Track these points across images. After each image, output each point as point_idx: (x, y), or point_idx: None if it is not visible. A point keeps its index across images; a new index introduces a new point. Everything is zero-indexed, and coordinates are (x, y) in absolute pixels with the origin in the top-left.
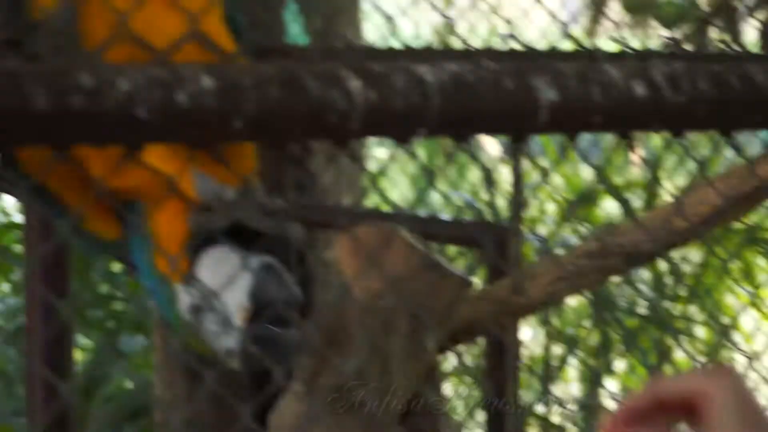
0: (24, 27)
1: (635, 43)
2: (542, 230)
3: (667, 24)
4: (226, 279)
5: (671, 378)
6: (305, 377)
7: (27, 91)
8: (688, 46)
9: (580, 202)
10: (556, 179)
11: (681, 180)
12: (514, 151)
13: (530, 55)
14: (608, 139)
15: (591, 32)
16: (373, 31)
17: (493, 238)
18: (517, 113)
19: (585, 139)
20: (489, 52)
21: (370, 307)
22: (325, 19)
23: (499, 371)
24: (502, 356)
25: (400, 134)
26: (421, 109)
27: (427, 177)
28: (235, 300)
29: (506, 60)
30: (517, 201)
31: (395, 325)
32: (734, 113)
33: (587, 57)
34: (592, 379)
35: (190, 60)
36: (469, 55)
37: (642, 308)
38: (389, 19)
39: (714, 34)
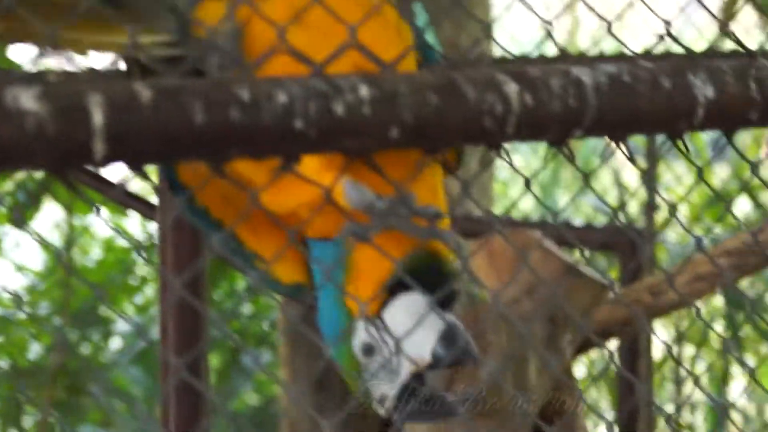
0: (189, 45)
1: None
2: (673, 233)
3: None
4: (413, 329)
5: None
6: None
7: (186, 105)
8: None
9: (714, 203)
10: (688, 180)
11: None
12: (650, 153)
13: (687, 56)
14: (741, 139)
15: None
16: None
17: (626, 241)
18: (674, 112)
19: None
20: (645, 55)
21: (508, 314)
22: (455, 25)
23: (632, 373)
24: (635, 359)
25: (556, 137)
26: (577, 111)
27: (583, 179)
28: (415, 351)
29: (663, 61)
30: (651, 203)
31: (532, 330)
32: None
33: (744, 55)
34: (722, 379)
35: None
36: (625, 58)
37: None
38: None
39: None
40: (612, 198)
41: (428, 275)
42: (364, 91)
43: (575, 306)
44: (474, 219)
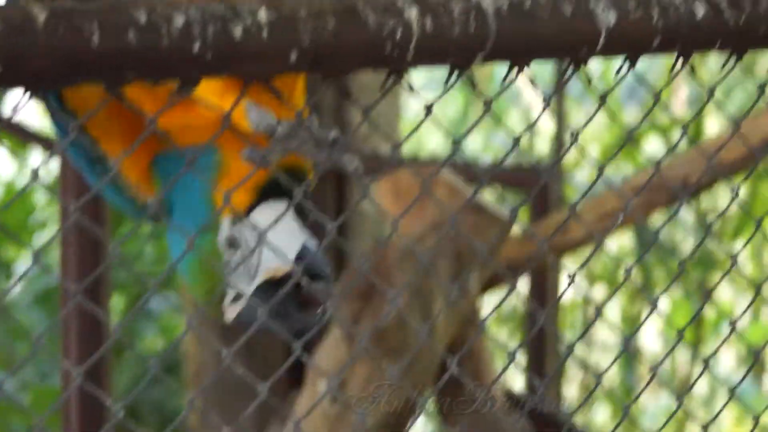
0: None
1: None
2: (584, 172)
3: None
4: (279, 233)
5: None
6: (344, 321)
7: (82, 27)
8: None
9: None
10: (598, 120)
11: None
12: (557, 91)
13: None
14: (652, 78)
15: None
16: None
17: (535, 179)
18: (576, 37)
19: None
20: None
21: (412, 251)
22: None
23: (539, 312)
24: (543, 296)
25: (458, 62)
26: (479, 35)
27: (485, 107)
28: (274, 257)
29: None
30: (559, 141)
31: (437, 267)
32: None
33: None
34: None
35: None
36: None
37: (686, 246)
38: None
39: None
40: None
41: (280, 187)
42: (262, 14)
43: (482, 243)
44: (380, 157)
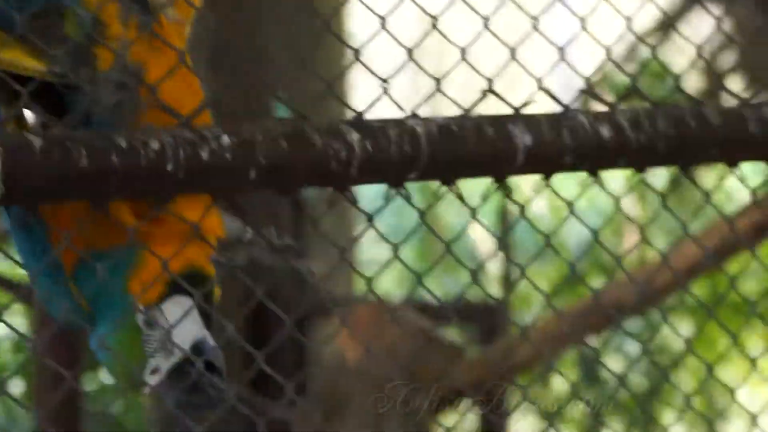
0: (83, 76)
1: None
2: (533, 308)
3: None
4: (182, 322)
5: None
6: None
7: (72, 151)
8: None
9: (567, 283)
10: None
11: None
12: (504, 235)
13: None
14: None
15: None
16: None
17: (483, 317)
18: (497, 157)
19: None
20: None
21: (367, 377)
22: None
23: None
24: (493, 419)
25: (394, 179)
26: (412, 156)
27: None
28: (185, 337)
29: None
30: (507, 280)
31: (392, 389)
32: (691, 150)
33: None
34: None
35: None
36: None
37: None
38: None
39: None
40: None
41: (193, 283)
42: (225, 138)
43: (433, 368)
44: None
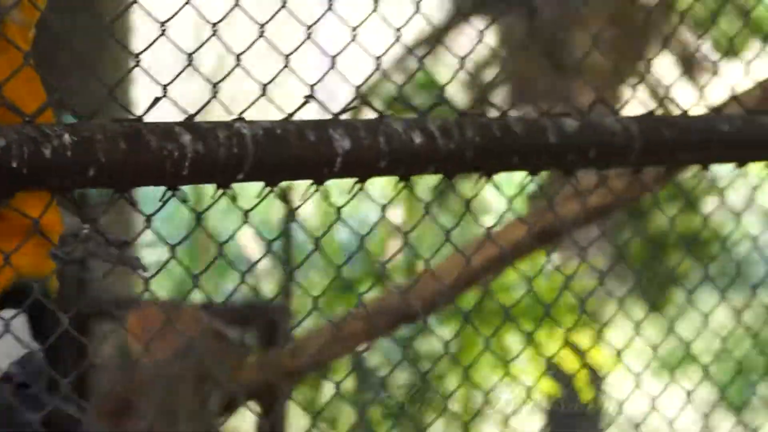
0: None
1: None
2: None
3: None
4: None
5: None
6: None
7: None
8: None
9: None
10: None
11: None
12: (286, 236)
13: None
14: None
15: None
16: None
17: (264, 318)
18: (318, 160)
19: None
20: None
21: (157, 376)
22: None
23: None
24: (276, 419)
25: (223, 180)
26: (239, 157)
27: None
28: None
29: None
30: (288, 280)
31: (182, 389)
32: (496, 158)
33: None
34: None
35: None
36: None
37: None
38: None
39: None
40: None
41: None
42: (66, 137)
43: (222, 367)
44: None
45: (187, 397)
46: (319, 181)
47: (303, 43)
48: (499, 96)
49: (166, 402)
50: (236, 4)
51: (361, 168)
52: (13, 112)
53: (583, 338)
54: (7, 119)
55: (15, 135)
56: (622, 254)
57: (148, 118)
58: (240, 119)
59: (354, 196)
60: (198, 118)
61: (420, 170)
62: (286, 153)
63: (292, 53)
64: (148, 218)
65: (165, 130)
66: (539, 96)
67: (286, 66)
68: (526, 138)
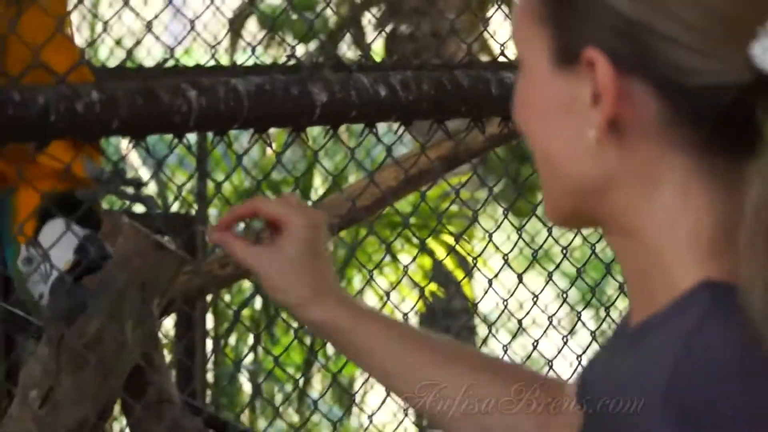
0: None
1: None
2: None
3: (301, 39)
4: (57, 240)
5: (270, 202)
6: (52, 339)
7: None
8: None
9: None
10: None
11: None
12: (199, 152)
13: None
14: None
15: (232, 50)
16: None
17: (181, 227)
18: (300, 111)
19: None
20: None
21: (105, 281)
22: None
23: (191, 334)
24: (191, 324)
25: (221, 128)
26: (236, 109)
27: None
28: (62, 256)
29: (289, 73)
30: (202, 191)
31: (128, 295)
32: (447, 107)
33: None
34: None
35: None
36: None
37: None
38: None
39: (345, 46)
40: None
41: (69, 204)
42: (95, 94)
43: (162, 275)
44: None
45: (132, 303)
46: (299, 128)
47: None
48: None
49: (113, 307)
50: None
51: (335, 117)
52: (49, 72)
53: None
54: (42, 79)
55: (52, 93)
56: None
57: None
58: (234, 75)
59: (329, 139)
60: None
61: (384, 118)
62: (275, 105)
63: None
64: (159, 163)
65: (174, 87)
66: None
67: None
68: (472, 90)
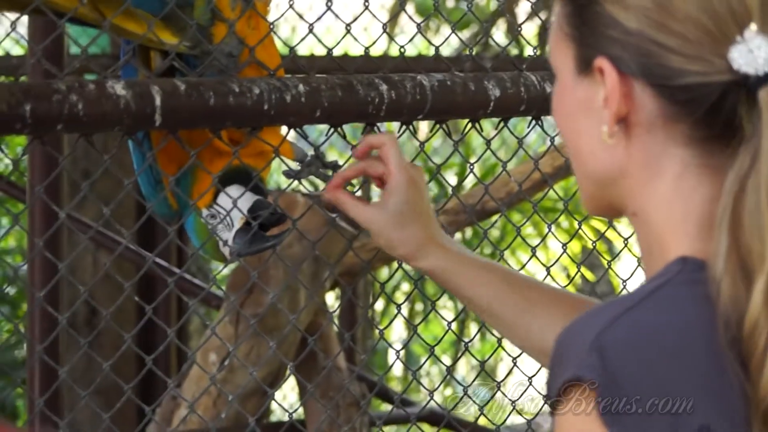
0: (203, 48)
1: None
2: None
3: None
4: (240, 196)
5: (375, 162)
6: (233, 308)
7: (203, 93)
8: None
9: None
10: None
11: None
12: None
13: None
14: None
15: (390, 34)
16: None
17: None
18: (476, 104)
19: None
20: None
21: (283, 255)
22: None
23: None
24: (355, 297)
25: (408, 119)
26: (421, 102)
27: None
28: (239, 215)
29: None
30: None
31: (302, 267)
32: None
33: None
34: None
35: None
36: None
37: None
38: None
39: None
40: None
41: (243, 177)
42: (301, 87)
43: (333, 250)
44: None
45: (306, 275)
46: (476, 119)
47: None
48: None
49: (288, 278)
50: None
51: (507, 110)
52: (263, 68)
53: None
54: (257, 74)
55: (266, 85)
56: None
57: None
58: (420, 73)
59: (500, 131)
60: None
61: (547, 112)
62: (454, 99)
63: None
64: (354, 147)
65: (369, 81)
66: None
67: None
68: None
